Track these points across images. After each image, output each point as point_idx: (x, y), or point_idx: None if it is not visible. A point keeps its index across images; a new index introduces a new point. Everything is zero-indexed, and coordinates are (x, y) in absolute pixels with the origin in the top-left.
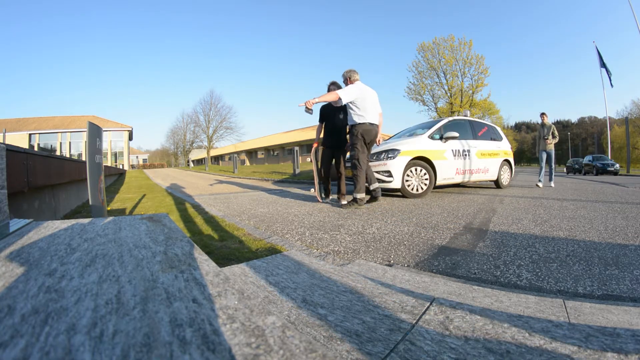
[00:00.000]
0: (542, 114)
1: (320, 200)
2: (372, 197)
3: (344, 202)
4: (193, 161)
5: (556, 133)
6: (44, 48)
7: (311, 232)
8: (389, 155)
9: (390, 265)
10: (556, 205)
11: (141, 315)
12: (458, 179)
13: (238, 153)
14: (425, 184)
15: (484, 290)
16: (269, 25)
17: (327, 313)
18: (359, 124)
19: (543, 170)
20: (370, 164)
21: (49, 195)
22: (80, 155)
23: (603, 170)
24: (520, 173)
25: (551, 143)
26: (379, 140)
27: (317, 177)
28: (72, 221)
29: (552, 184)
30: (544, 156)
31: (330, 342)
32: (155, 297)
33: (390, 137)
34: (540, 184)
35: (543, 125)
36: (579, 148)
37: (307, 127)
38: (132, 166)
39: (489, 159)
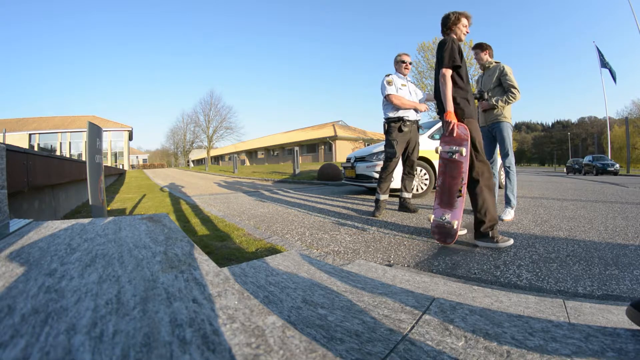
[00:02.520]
0: (478, 47)
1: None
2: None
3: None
4: (193, 161)
5: (513, 83)
6: (44, 48)
7: (311, 232)
8: None
9: (390, 265)
10: (556, 205)
11: (141, 315)
12: None
13: (238, 153)
14: (425, 184)
15: (484, 290)
16: (269, 26)
17: (327, 313)
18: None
19: (497, 173)
20: (369, 163)
21: (49, 195)
22: (80, 155)
23: (603, 171)
24: (520, 173)
25: (500, 107)
26: None
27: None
28: (72, 221)
29: (508, 215)
30: (490, 140)
31: (330, 342)
32: (155, 297)
33: None
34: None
35: (485, 69)
36: (579, 148)
37: (307, 127)
38: (132, 166)
39: None
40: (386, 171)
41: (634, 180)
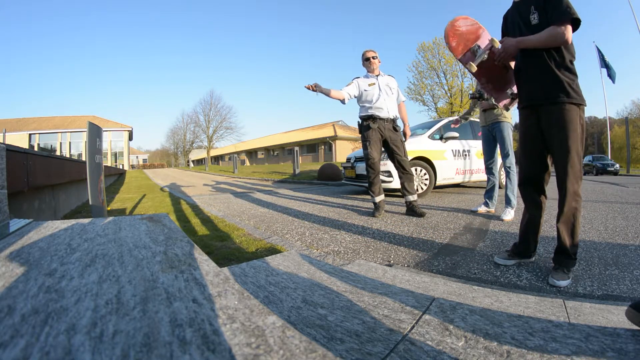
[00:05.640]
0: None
1: None
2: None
3: None
4: (193, 161)
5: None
6: (44, 48)
7: (311, 232)
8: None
9: (390, 265)
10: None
11: (141, 315)
12: (458, 179)
13: (238, 153)
14: (425, 184)
15: (484, 290)
16: (268, 25)
17: (327, 313)
18: None
19: (497, 173)
20: None
21: (49, 195)
22: (80, 155)
23: (603, 170)
24: None
25: (502, 108)
26: None
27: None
28: (72, 221)
29: (508, 215)
30: (490, 141)
31: (330, 342)
32: (155, 297)
33: None
34: (482, 209)
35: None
36: None
37: (307, 127)
38: (132, 166)
39: None
40: (370, 173)
41: (634, 180)
